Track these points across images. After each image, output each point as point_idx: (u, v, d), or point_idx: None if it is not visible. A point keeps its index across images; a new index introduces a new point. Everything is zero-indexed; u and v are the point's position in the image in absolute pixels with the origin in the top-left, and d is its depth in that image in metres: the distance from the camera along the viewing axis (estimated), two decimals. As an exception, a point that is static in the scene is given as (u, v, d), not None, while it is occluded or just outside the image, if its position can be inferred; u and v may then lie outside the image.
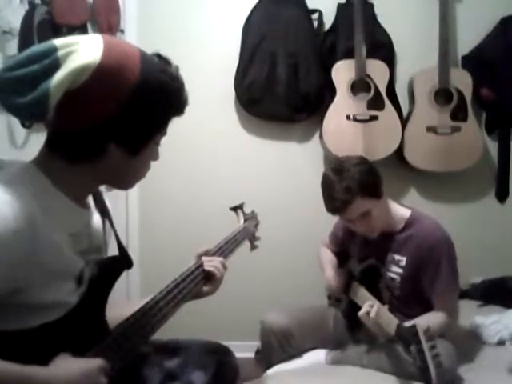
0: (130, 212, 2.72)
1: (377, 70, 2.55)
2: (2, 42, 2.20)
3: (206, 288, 1.32)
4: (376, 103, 2.54)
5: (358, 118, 2.53)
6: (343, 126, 2.54)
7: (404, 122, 2.59)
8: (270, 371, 1.85)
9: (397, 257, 1.80)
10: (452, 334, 1.77)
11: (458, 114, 2.56)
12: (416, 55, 2.68)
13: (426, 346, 1.33)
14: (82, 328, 0.98)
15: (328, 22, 2.66)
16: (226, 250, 1.45)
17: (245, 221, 1.69)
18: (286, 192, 2.73)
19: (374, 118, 2.54)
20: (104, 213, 1.13)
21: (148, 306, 1.10)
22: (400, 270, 1.79)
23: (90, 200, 1.10)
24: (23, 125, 2.25)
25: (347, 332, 1.88)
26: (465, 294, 2.38)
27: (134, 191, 2.68)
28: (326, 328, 1.94)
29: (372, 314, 1.52)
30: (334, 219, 1.96)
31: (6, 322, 0.88)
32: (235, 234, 1.56)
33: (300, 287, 2.57)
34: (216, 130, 2.70)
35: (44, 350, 0.90)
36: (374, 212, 1.72)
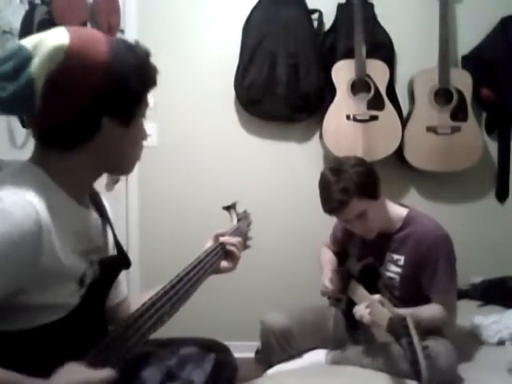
0: (129, 212, 2.72)
1: (377, 70, 2.55)
2: (2, 41, 2.20)
3: (226, 264, 1.43)
4: (376, 103, 2.54)
5: (358, 117, 2.53)
6: (343, 126, 2.54)
7: (404, 122, 2.59)
8: (270, 371, 1.85)
9: (395, 256, 1.80)
10: (452, 333, 1.77)
11: (458, 114, 2.56)
12: (416, 55, 2.68)
13: (415, 338, 1.33)
14: (82, 328, 0.98)
15: (328, 22, 2.67)
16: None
17: (238, 220, 1.70)
18: (286, 192, 2.73)
19: (373, 118, 2.54)
20: (102, 213, 1.13)
21: (152, 301, 1.09)
22: (399, 270, 1.79)
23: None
24: (23, 125, 2.25)
25: (347, 332, 1.88)
26: (465, 294, 2.38)
27: (134, 191, 2.68)
28: (326, 328, 1.94)
29: (366, 319, 1.53)
30: (333, 219, 1.96)
31: (7, 322, 0.88)
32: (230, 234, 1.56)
33: (300, 287, 2.57)
34: (216, 129, 2.70)
35: (44, 351, 0.90)
36: (370, 213, 1.72)
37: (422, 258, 1.74)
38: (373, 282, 1.79)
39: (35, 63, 0.89)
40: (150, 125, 2.36)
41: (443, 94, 2.58)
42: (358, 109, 2.54)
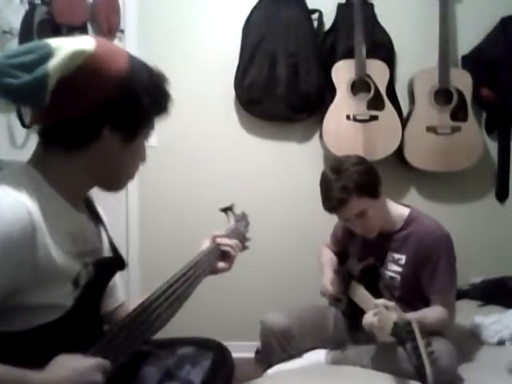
0: (129, 212, 2.72)
1: (377, 70, 2.55)
2: (2, 41, 2.20)
3: (222, 265, 1.44)
4: (376, 103, 2.54)
5: (358, 117, 2.53)
6: (343, 126, 2.54)
7: (404, 122, 2.59)
8: (270, 371, 1.84)
9: (396, 255, 1.80)
10: (452, 333, 1.77)
11: (458, 114, 2.56)
12: (416, 55, 2.68)
13: (421, 343, 1.33)
14: (78, 329, 0.98)
15: (328, 22, 2.67)
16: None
17: (235, 222, 1.70)
18: (286, 192, 2.73)
19: (373, 118, 2.54)
20: (96, 217, 1.15)
21: (149, 301, 1.10)
22: (399, 269, 1.79)
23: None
24: (23, 125, 2.25)
25: (347, 332, 1.88)
26: (465, 294, 2.38)
27: (134, 191, 2.68)
28: (326, 328, 1.94)
29: (375, 328, 1.51)
30: (333, 219, 1.96)
31: (2, 323, 0.89)
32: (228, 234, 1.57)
33: (300, 287, 2.57)
34: (216, 129, 2.70)
35: (39, 352, 0.90)
36: (370, 212, 1.73)
37: (422, 258, 1.74)
38: (373, 282, 1.79)
39: (54, 61, 0.92)
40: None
41: (443, 94, 2.58)
42: (357, 109, 2.54)
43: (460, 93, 2.56)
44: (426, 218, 1.82)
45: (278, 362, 1.87)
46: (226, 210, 1.73)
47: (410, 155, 2.58)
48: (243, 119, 2.71)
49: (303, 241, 2.66)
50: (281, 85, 2.59)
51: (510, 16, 2.65)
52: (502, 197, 2.76)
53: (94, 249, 1.08)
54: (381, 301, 1.56)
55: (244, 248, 1.63)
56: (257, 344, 1.99)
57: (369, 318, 1.54)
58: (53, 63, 0.92)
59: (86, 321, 1.02)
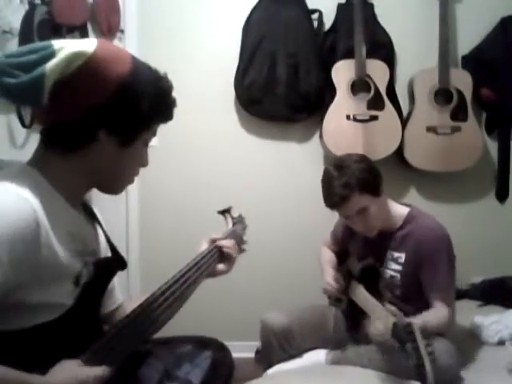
0: (129, 212, 2.72)
1: (377, 70, 2.55)
2: (2, 41, 2.20)
3: (222, 267, 1.41)
4: (376, 103, 2.54)
5: (358, 117, 2.53)
6: (343, 126, 2.54)
7: (404, 122, 2.59)
8: (270, 371, 1.85)
9: (396, 254, 1.80)
10: (452, 333, 1.77)
11: (458, 114, 2.56)
12: (416, 55, 2.68)
13: (421, 343, 1.33)
14: (78, 329, 0.98)
15: (328, 22, 2.67)
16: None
17: (233, 224, 1.70)
18: (286, 192, 2.73)
19: (373, 117, 2.54)
20: (93, 218, 1.15)
21: (148, 302, 1.10)
22: (399, 267, 1.79)
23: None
24: (23, 125, 2.26)
25: (347, 332, 1.89)
26: (465, 294, 2.38)
27: (134, 191, 2.68)
28: (326, 328, 1.94)
29: (386, 338, 1.49)
30: (333, 219, 1.96)
31: (2, 322, 0.89)
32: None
33: (300, 287, 2.57)
34: (216, 129, 2.70)
35: (39, 351, 0.90)
36: (371, 209, 1.73)
37: (422, 257, 1.74)
38: (373, 282, 1.80)
39: (52, 62, 0.92)
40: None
41: (443, 94, 2.58)
42: (357, 109, 2.54)
43: (460, 93, 2.56)
44: (426, 216, 1.82)
45: (278, 362, 1.87)
46: (223, 212, 1.73)
47: (410, 155, 2.58)
48: (243, 119, 2.71)
49: (303, 241, 2.66)
50: (281, 85, 2.59)
51: (510, 16, 2.65)
52: (502, 197, 2.76)
53: (92, 249, 1.08)
54: (392, 308, 1.56)
55: (242, 251, 1.63)
56: (257, 344, 1.99)
57: (377, 330, 1.50)
58: (51, 64, 0.92)
59: (85, 321, 1.02)
